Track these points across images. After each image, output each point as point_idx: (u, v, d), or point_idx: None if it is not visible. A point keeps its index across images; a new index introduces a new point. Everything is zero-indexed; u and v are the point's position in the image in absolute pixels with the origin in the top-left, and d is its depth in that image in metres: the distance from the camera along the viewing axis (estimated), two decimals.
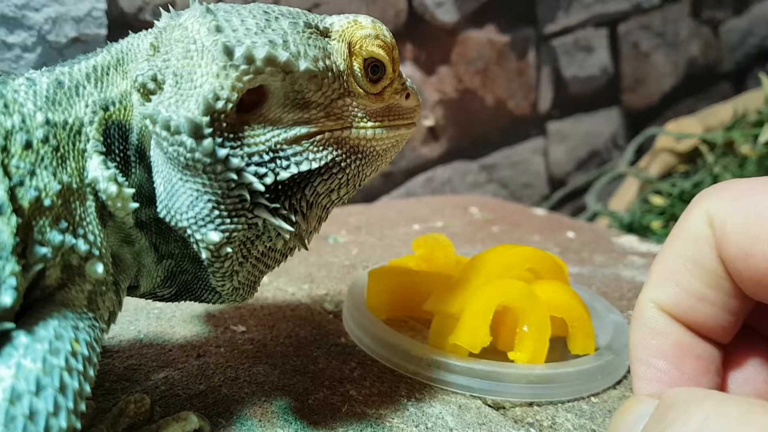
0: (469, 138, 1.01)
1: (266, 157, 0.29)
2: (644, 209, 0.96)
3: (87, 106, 0.29)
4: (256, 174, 0.29)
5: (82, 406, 0.25)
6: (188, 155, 0.28)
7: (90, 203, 0.28)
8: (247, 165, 0.29)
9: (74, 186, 0.28)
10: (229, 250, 0.30)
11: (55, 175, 0.27)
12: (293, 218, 0.31)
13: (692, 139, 1.02)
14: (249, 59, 0.28)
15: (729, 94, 1.51)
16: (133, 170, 0.30)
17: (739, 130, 0.92)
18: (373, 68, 0.32)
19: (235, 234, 0.30)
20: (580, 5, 1.14)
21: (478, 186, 1.04)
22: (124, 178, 0.29)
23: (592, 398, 0.39)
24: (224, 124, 0.28)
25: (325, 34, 0.32)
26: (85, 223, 0.28)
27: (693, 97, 1.45)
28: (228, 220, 0.29)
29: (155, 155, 0.29)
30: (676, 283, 0.26)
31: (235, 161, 0.28)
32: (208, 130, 0.28)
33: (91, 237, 0.28)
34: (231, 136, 0.28)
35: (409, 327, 0.45)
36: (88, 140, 0.28)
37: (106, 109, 0.29)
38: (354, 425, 0.34)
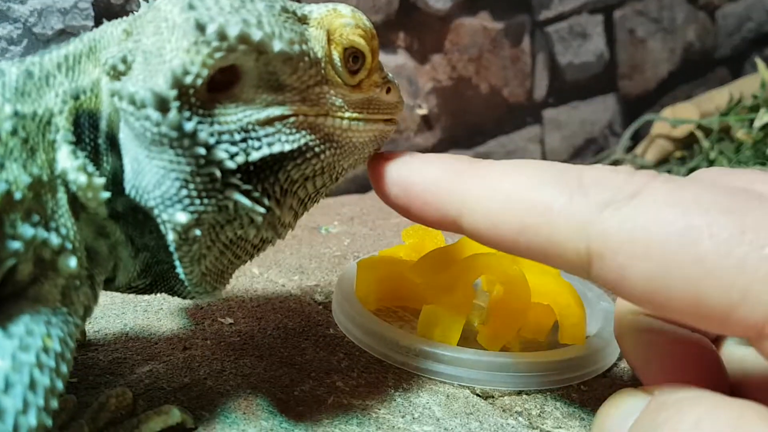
0: (464, 126, 1.01)
1: (237, 137, 0.28)
2: None
3: (57, 95, 0.28)
4: (226, 152, 0.28)
5: (54, 403, 0.25)
6: (154, 129, 0.27)
7: (61, 195, 0.28)
8: (217, 143, 0.28)
9: (45, 178, 0.27)
10: (197, 232, 0.29)
11: (25, 167, 0.26)
12: (266, 202, 0.30)
13: (688, 125, 1.02)
14: (221, 36, 0.27)
15: (726, 80, 1.50)
16: (104, 159, 0.29)
17: (734, 115, 0.92)
18: (353, 58, 0.32)
19: (204, 216, 0.29)
20: None
21: None
22: (95, 168, 0.29)
23: (582, 386, 0.39)
24: (193, 99, 0.27)
25: (303, 21, 0.31)
26: (57, 216, 0.27)
27: (690, 83, 1.44)
28: (197, 201, 0.28)
29: (124, 136, 0.29)
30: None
31: (204, 135, 0.27)
32: (175, 104, 0.27)
33: (63, 230, 0.27)
34: (200, 112, 0.28)
35: (398, 317, 0.44)
36: (58, 130, 0.28)
37: (76, 98, 0.29)
38: (340, 417, 0.34)
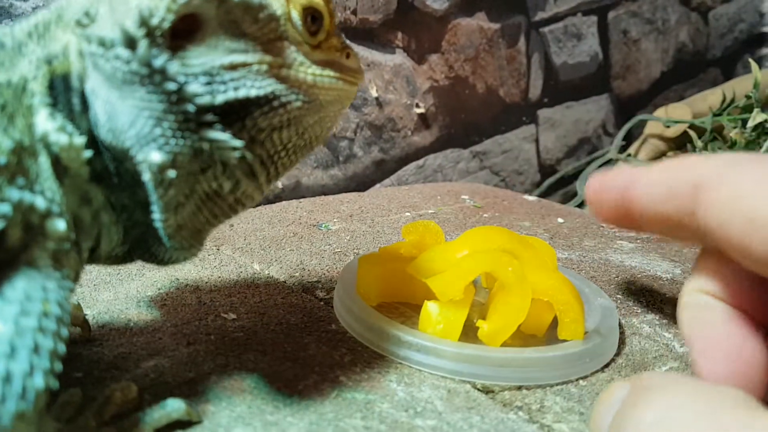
0: (461, 125, 1.01)
1: (203, 79, 0.29)
2: None
3: (30, 63, 0.29)
4: (195, 91, 0.29)
5: (58, 366, 0.25)
6: (125, 68, 0.28)
7: (44, 159, 0.28)
8: (186, 82, 0.29)
9: (26, 142, 0.28)
10: (172, 174, 0.29)
11: (6, 132, 0.27)
12: (237, 144, 0.30)
13: (681, 125, 1.03)
14: None
15: (718, 81, 1.52)
16: (79, 119, 0.30)
17: (727, 116, 0.93)
18: (312, 18, 0.33)
19: (180, 158, 0.29)
20: None
21: (470, 173, 1.04)
22: (73, 128, 0.29)
23: (581, 381, 0.40)
24: (160, 41, 0.28)
25: None
26: (41, 180, 0.28)
27: (683, 83, 1.45)
28: (172, 140, 0.29)
29: (93, 83, 0.29)
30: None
31: (173, 71, 0.28)
32: (144, 42, 0.28)
33: (49, 194, 0.28)
34: (167, 52, 0.29)
35: (399, 313, 0.45)
36: (34, 95, 0.29)
37: (49, 63, 0.29)
38: (344, 411, 0.35)
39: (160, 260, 0.34)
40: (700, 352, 0.27)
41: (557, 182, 1.16)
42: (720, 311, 0.28)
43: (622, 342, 0.44)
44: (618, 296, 0.52)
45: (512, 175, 1.12)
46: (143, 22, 0.28)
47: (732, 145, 0.86)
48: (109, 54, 0.28)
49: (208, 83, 0.29)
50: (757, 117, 0.83)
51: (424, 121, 0.95)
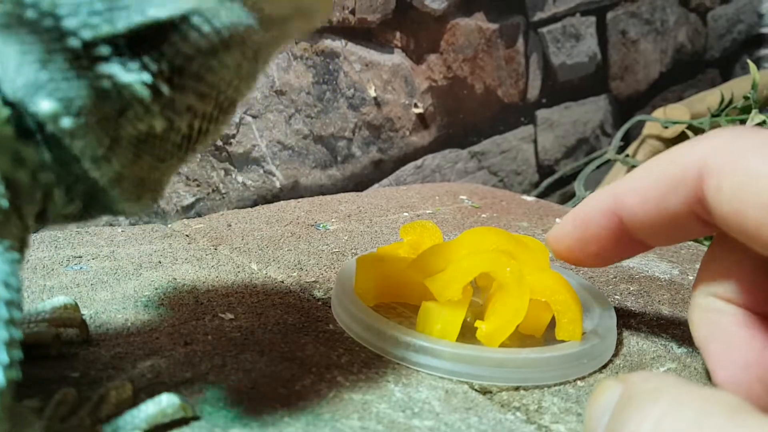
0: (459, 125, 1.01)
1: (99, 6, 0.25)
2: None
3: None
4: (84, 22, 0.24)
5: (17, 354, 0.23)
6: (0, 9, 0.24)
7: None
8: (70, 14, 0.24)
9: None
10: (69, 123, 0.25)
11: None
12: (145, 77, 0.26)
13: (679, 126, 1.03)
14: None
15: (716, 81, 1.52)
16: None
17: (725, 117, 0.93)
18: None
19: (77, 103, 0.25)
20: None
21: (469, 173, 1.04)
22: None
23: (578, 382, 0.40)
24: None
25: None
26: None
27: (681, 83, 1.45)
28: (63, 84, 0.25)
29: None
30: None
31: (47, 5, 0.24)
32: None
33: None
34: None
35: (397, 313, 0.45)
36: None
37: None
38: (341, 411, 0.35)
39: (117, 213, 0.31)
40: (716, 359, 0.26)
41: (555, 182, 1.16)
42: (735, 316, 0.27)
43: (620, 342, 0.44)
44: (616, 297, 0.52)
45: (510, 175, 1.12)
46: None
47: None
48: None
49: (108, 9, 0.25)
50: (755, 118, 0.83)
51: (422, 121, 0.95)
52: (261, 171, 0.80)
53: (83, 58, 0.25)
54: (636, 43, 1.31)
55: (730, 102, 0.99)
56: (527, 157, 1.14)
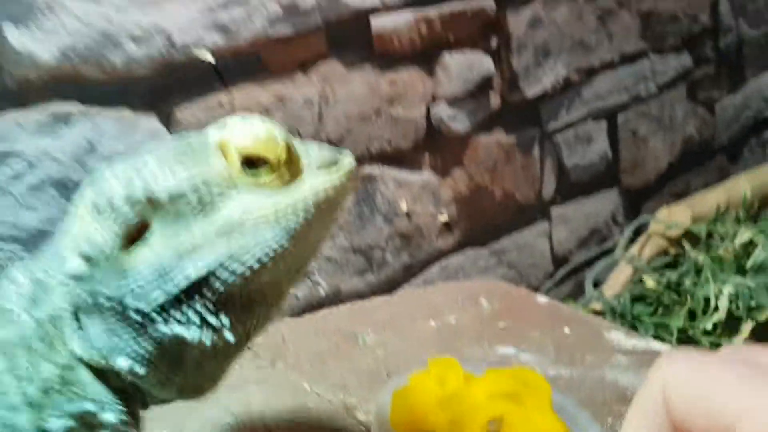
0: (481, 228, 1.13)
1: (144, 283, 0.32)
2: (636, 292, 1.06)
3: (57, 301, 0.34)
4: (139, 297, 0.32)
5: None
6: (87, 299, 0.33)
7: (85, 372, 0.34)
8: (123, 297, 0.32)
9: (68, 363, 0.33)
10: (141, 370, 0.33)
11: (48, 359, 0.33)
12: (196, 327, 0.33)
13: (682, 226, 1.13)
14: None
15: (724, 167, 1.58)
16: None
17: (720, 225, 1.03)
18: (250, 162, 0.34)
19: (146, 356, 0.33)
20: (581, 102, 1.25)
21: (489, 269, 1.15)
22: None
23: None
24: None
25: None
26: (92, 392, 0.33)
27: (689, 172, 1.53)
28: (134, 344, 0.33)
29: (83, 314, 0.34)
30: None
31: (113, 291, 0.32)
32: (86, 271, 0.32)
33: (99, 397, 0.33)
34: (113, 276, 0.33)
35: None
36: (64, 322, 0.34)
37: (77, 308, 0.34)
38: None
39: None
40: None
41: (569, 272, 1.27)
42: None
43: None
44: (609, 420, 0.62)
45: (527, 267, 1.22)
46: (87, 258, 0.32)
47: (721, 259, 0.96)
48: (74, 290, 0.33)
49: (150, 284, 0.32)
50: (743, 235, 0.94)
51: (447, 227, 1.07)
52: (309, 282, 0.92)
53: (145, 323, 0.33)
54: (645, 140, 1.41)
55: (727, 209, 1.10)
56: (542, 249, 1.25)
